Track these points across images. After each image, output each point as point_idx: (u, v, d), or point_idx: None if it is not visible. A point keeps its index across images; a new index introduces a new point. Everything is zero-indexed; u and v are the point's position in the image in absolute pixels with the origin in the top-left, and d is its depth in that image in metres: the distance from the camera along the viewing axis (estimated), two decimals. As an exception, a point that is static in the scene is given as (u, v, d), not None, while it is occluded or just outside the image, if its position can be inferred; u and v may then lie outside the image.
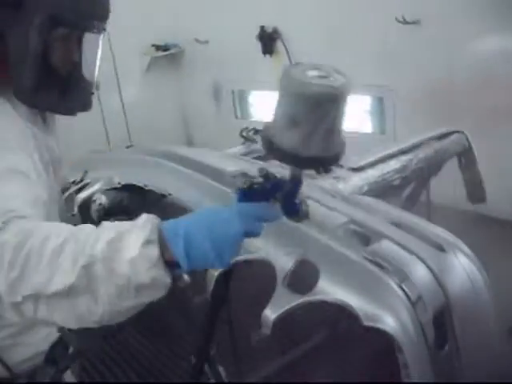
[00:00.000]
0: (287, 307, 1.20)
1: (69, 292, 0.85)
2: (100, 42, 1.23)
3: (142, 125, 5.42)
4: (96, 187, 1.97)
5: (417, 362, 1.12)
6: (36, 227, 0.88)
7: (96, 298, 0.86)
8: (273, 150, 0.94)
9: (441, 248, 1.28)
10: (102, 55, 1.28)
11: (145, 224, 0.86)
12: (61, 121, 1.29)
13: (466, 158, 2.21)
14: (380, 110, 4.19)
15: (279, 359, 2.61)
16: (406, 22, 3.68)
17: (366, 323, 1.11)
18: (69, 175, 2.17)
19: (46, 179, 1.17)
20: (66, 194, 2.19)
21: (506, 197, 3.39)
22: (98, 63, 1.26)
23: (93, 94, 1.26)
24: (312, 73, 0.89)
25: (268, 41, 4.68)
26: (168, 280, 0.86)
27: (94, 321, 0.89)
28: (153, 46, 5.70)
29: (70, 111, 1.23)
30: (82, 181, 2.15)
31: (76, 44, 1.16)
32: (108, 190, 1.96)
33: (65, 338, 1.28)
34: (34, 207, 0.98)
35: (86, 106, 1.25)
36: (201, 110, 5.77)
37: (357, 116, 4.30)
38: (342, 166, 2.13)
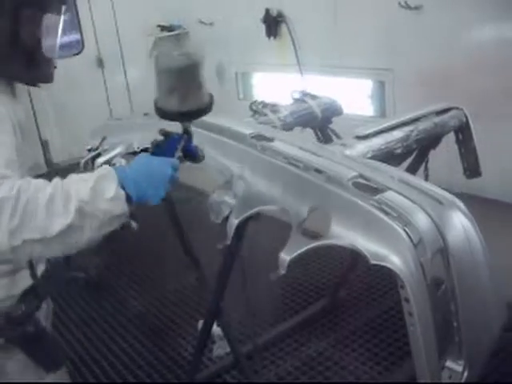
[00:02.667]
0: (301, 250, 1.33)
1: (66, 230, 1.08)
2: (60, 22, 1.36)
3: (145, 104, 5.49)
4: (116, 151, 2.06)
5: (417, 297, 1.24)
6: (26, 182, 1.08)
7: (83, 232, 1.11)
8: (162, 114, 1.34)
9: (440, 202, 1.41)
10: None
11: (110, 172, 1.18)
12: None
13: (464, 133, 2.33)
14: (381, 94, 4.29)
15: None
16: (408, 7, 3.79)
17: (374, 262, 1.24)
18: (88, 142, 2.28)
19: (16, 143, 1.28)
20: (83, 160, 2.30)
21: (497, 178, 3.52)
22: (58, 40, 1.37)
23: (55, 67, 1.41)
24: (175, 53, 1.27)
25: (272, 24, 4.75)
26: (128, 211, 1.18)
27: (77, 248, 1.15)
28: (158, 26, 5.78)
29: (33, 82, 1.41)
30: (98, 147, 2.25)
31: (39, 23, 1.30)
32: (127, 154, 2.06)
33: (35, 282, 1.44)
34: (12, 169, 1.15)
35: (48, 78, 1.41)
36: (204, 91, 5.85)
37: (358, 99, 4.41)
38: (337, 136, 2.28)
